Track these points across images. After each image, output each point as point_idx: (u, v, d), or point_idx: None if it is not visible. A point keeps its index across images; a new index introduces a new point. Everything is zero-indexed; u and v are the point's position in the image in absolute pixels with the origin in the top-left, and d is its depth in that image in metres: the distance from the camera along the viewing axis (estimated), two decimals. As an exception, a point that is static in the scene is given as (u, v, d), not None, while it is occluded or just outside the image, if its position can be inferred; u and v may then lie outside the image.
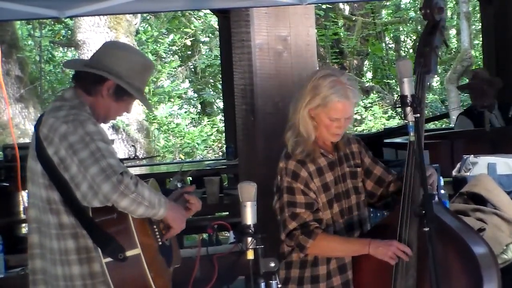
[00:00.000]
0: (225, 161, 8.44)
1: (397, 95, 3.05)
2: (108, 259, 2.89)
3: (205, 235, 6.61)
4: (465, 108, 8.04)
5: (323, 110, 3.29)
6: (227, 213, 7.19)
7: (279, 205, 3.35)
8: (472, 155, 4.57)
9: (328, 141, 3.41)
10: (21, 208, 6.99)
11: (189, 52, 16.51)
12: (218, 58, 12.85)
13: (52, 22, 14.34)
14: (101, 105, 3.12)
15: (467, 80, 12.83)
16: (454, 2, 16.25)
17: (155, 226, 3.08)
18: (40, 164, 2.99)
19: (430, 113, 14.92)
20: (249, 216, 2.87)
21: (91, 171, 2.84)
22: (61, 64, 13.21)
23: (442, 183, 4.19)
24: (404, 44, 18.25)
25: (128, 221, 2.92)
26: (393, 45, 17.97)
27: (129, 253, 2.89)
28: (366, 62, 17.50)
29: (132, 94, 3.12)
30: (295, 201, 3.30)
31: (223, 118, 11.71)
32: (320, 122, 3.32)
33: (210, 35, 15.87)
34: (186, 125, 15.10)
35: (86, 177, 2.84)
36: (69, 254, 2.98)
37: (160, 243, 3.09)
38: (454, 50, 16.43)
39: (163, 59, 15.61)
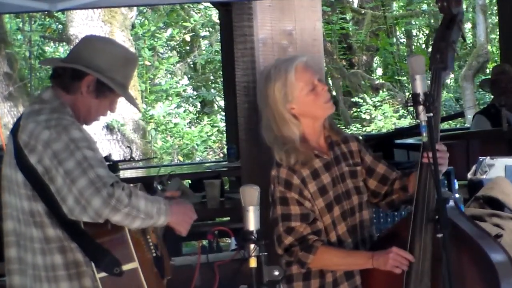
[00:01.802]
0: (226, 163, 8.44)
1: (408, 93, 3.04)
2: (103, 274, 2.83)
3: (205, 242, 6.63)
4: (481, 107, 8.04)
5: (298, 91, 3.27)
6: (229, 218, 7.20)
7: (273, 217, 3.31)
8: (489, 157, 4.57)
9: (322, 142, 3.38)
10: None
11: (188, 48, 16.53)
12: (219, 54, 12.87)
13: (43, 16, 14.36)
14: (81, 104, 3.03)
15: (483, 77, 12.90)
16: (469, -6, 16.26)
17: (148, 236, 3.04)
18: (21, 173, 2.91)
19: (444, 112, 14.91)
20: (252, 222, 2.86)
21: (79, 184, 2.75)
22: (38, 63, 13.07)
23: (456, 186, 4.19)
24: (416, 38, 18.27)
25: (123, 231, 2.85)
26: (404, 40, 17.98)
27: (125, 267, 2.83)
28: (376, 58, 17.51)
29: (114, 89, 3.04)
30: (290, 213, 3.26)
31: (224, 118, 11.72)
32: (306, 106, 3.28)
33: (211, 29, 15.90)
34: (185, 125, 15.10)
35: (72, 191, 2.76)
36: (57, 270, 2.91)
37: (154, 254, 3.05)
38: (469, 45, 16.44)
39: (161, 55, 15.64)
